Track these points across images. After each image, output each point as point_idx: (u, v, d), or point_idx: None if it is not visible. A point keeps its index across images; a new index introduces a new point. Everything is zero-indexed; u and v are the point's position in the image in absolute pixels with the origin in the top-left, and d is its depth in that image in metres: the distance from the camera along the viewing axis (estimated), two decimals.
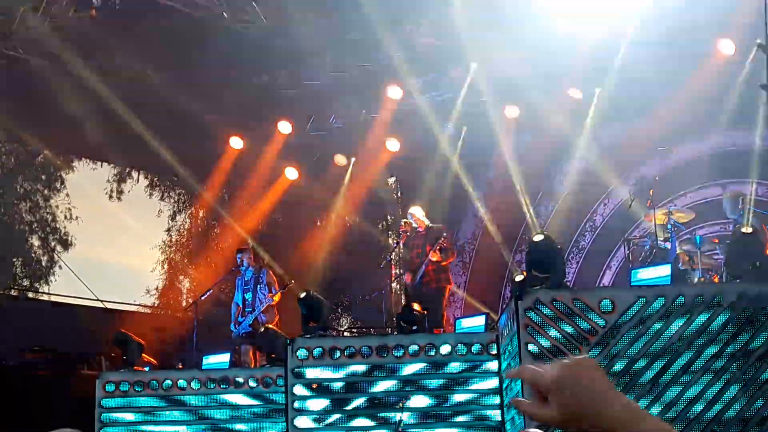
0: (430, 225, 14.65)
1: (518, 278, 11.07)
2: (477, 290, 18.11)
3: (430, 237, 14.41)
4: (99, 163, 18.23)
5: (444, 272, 14.44)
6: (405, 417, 10.31)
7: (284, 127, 18.19)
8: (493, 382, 10.32)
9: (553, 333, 8.89)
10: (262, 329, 14.30)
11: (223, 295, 16.53)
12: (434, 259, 14.16)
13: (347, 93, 17.60)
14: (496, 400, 10.26)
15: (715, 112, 15.07)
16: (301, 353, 10.74)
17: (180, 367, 12.62)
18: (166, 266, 18.98)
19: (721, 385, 8.69)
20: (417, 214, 14.67)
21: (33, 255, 17.40)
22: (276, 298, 14.57)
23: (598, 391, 1.76)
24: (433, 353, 10.47)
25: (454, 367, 10.44)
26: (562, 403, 1.77)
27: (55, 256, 17.46)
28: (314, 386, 10.68)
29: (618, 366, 8.73)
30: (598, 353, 8.76)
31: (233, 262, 15.33)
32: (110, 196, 18.49)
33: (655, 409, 8.60)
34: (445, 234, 14.50)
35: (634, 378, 8.71)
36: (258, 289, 14.59)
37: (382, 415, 10.50)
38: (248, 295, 14.69)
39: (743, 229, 11.75)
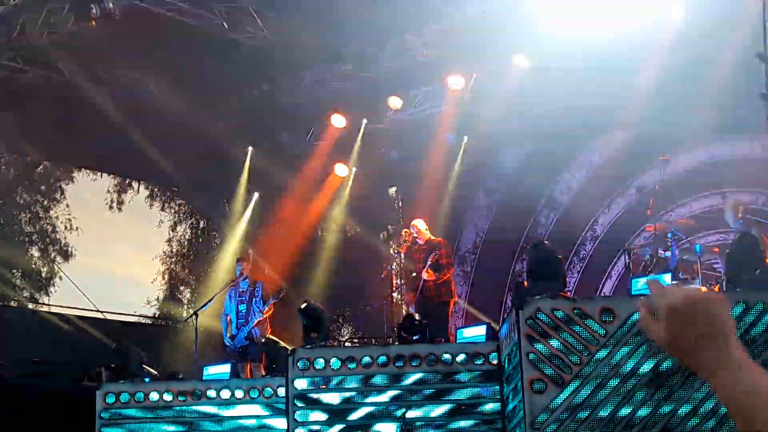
0: (431, 238, 14.61)
1: (519, 287, 11.06)
2: (478, 300, 18.10)
3: (429, 252, 14.38)
4: (99, 173, 18.24)
5: (445, 286, 14.37)
6: (405, 427, 10.29)
7: (285, 137, 18.22)
8: (494, 392, 10.31)
9: (553, 342, 8.89)
10: (263, 340, 14.29)
11: (224, 306, 16.52)
12: (426, 277, 14.12)
13: (348, 103, 17.62)
14: (497, 408, 10.24)
15: (715, 121, 15.07)
16: (302, 364, 10.73)
17: (180, 377, 12.59)
18: (166, 277, 18.99)
19: None
20: (419, 226, 14.63)
21: (33, 266, 17.40)
22: (268, 312, 14.53)
23: (706, 334, 1.73)
24: (434, 363, 10.46)
25: (456, 377, 10.42)
26: (670, 331, 1.76)
27: (56, 267, 17.46)
28: (314, 397, 10.67)
29: (619, 374, 8.72)
30: (599, 362, 8.76)
31: (234, 272, 15.32)
32: (110, 207, 18.51)
33: (658, 417, 8.59)
34: (438, 250, 14.39)
35: (635, 386, 8.70)
36: (253, 302, 14.56)
37: (383, 425, 10.48)
38: (242, 307, 14.65)
39: (743, 239, 11.75)
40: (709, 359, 1.73)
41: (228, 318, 14.76)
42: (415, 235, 14.56)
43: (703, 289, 1.85)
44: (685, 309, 1.74)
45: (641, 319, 1.83)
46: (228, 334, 14.71)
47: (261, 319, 14.46)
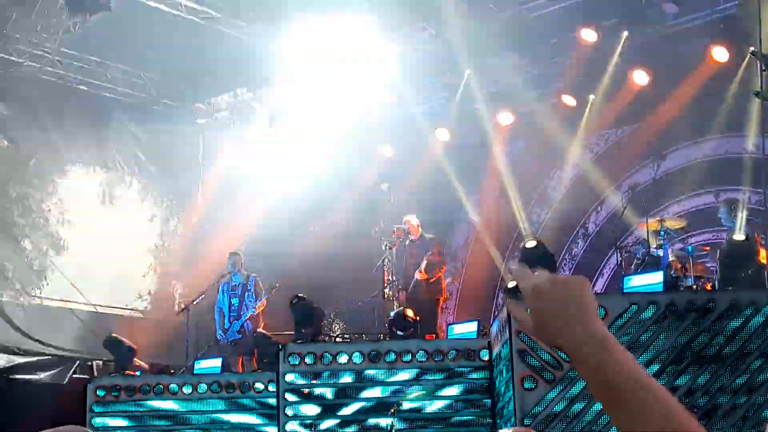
0: (423, 234, 14.60)
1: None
2: (469, 296, 18.09)
3: (422, 248, 14.37)
4: (92, 167, 18.18)
5: (437, 284, 14.38)
6: (396, 422, 10.30)
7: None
8: (484, 388, 10.31)
9: None
10: (255, 333, 14.27)
11: (215, 300, 16.49)
12: (419, 278, 14.12)
13: (343, 99, 17.59)
14: (488, 405, 10.25)
15: (709, 119, 15.08)
16: (293, 359, 10.73)
17: (171, 371, 12.59)
18: (158, 271, 18.91)
19: (714, 390, 8.69)
20: (412, 221, 14.63)
21: (25, 259, 17.33)
22: (261, 307, 14.52)
23: (568, 313, 1.76)
24: (425, 359, 10.47)
25: (446, 373, 10.43)
26: (535, 311, 1.79)
27: (48, 260, 17.38)
28: (305, 392, 10.67)
29: None
30: None
31: (226, 267, 15.30)
32: (103, 201, 18.42)
33: None
34: (432, 249, 14.38)
35: None
36: (246, 296, 14.55)
37: (374, 420, 10.49)
38: (235, 301, 14.65)
39: (736, 237, 11.77)
40: (573, 338, 1.75)
41: (221, 311, 14.76)
42: (406, 230, 14.56)
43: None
44: (545, 289, 1.77)
45: (506, 305, 1.87)
46: (221, 328, 14.71)
47: (253, 314, 14.46)
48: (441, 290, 14.55)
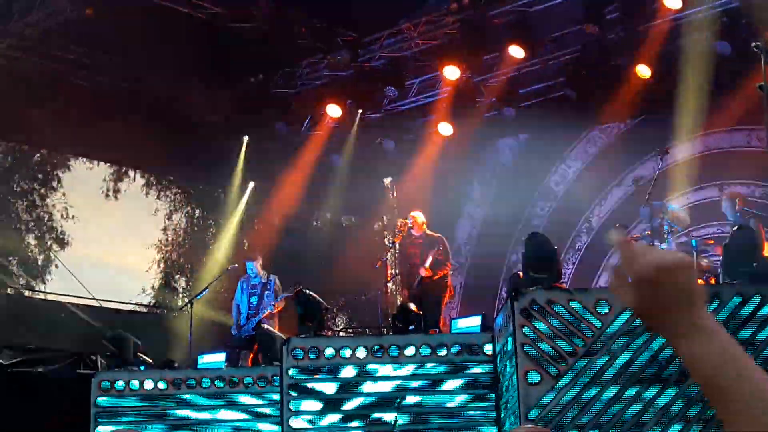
0: (428, 232, 14.59)
1: (514, 279, 11.07)
2: (473, 291, 18.08)
3: (426, 245, 14.36)
4: (95, 161, 18.20)
5: (443, 280, 14.38)
6: (400, 417, 10.30)
7: (280, 127, 18.17)
8: (488, 383, 10.31)
9: (549, 334, 8.88)
10: (260, 329, 14.28)
11: (219, 294, 16.49)
12: (424, 274, 14.11)
13: (343, 93, 17.58)
14: (492, 399, 10.25)
15: (712, 112, 15.05)
16: (297, 353, 10.73)
17: (175, 366, 12.59)
18: (162, 265, 18.96)
19: None
20: (417, 218, 14.61)
21: (29, 254, 17.38)
22: (279, 306, 14.50)
23: (672, 302, 1.72)
24: (428, 353, 10.46)
25: (449, 367, 10.42)
26: (638, 297, 1.75)
27: (52, 254, 17.42)
28: (309, 387, 10.67)
29: (614, 366, 8.72)
30: (595, 354, 8.76)
31: (229, 262, 15.29)
32: (107, 195, 18.46)
33: (653, 410, 8.60)
34: (438, 248, 14.37)
35: (630, 379, 8.70)
36: (265, 295, 14.52)
37: (377, 415, 10.49)
38: (254, 299, 14.60)
39: (740, 231, 11.76)
40: (675, 326, 1.72)
41: (239, 308, 14.73)
42: (410, 225, 14.54)
43: (673, 252, 1.82)
44: (652, 277, 1.73)
45: (610, 285, 1.81)
46: (236, 324, 14.69)
47: (272, 311, 14.43)
48: (447, 287, 14.55)
